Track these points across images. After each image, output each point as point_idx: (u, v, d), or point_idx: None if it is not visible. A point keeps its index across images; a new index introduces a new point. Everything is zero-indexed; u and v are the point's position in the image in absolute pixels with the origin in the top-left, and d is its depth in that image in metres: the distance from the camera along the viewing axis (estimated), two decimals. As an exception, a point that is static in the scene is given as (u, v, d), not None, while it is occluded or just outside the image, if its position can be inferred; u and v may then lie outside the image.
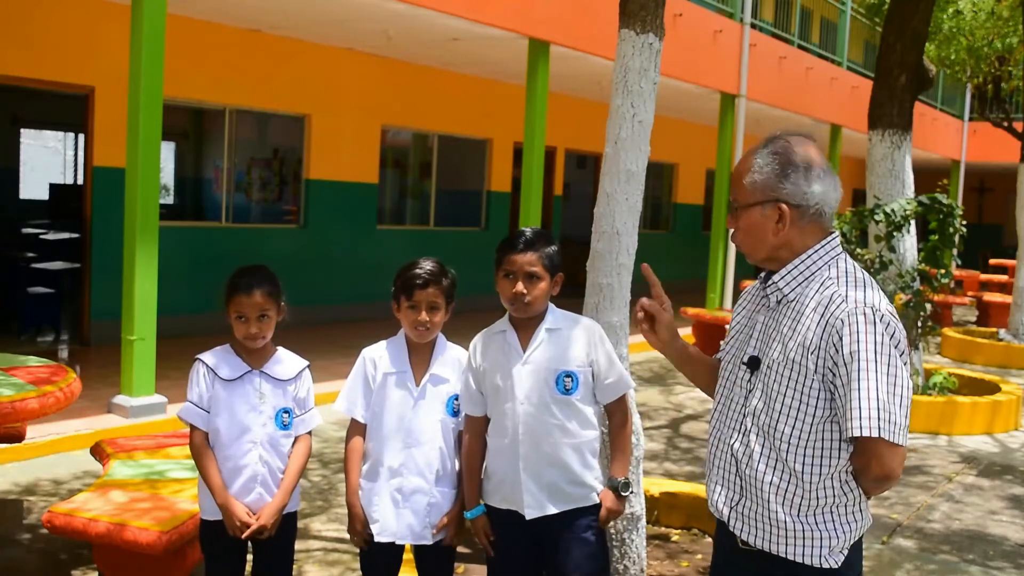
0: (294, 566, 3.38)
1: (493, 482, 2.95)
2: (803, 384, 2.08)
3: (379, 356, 3.06)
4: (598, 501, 2.92)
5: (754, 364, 2.19)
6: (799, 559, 2.11)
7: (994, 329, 13.82)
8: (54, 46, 8.79)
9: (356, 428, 3.07)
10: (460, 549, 3.16)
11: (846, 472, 2.11)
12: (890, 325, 2.04)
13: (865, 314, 2.03)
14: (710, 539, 4.78)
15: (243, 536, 3.00)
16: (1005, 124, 16.13)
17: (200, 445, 3.04)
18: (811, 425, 2.08)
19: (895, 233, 8.17)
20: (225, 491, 3.01)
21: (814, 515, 2.11)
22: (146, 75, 6.62)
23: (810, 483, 2.09)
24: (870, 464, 2.04)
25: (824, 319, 2.06)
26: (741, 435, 2.19)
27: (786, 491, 2.11)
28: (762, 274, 2.28)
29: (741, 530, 2.19)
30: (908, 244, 8.62)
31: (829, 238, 2.20)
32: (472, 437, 2.98)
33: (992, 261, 20.96)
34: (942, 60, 15.45)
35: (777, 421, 2.11)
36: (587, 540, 2.89)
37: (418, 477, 2.98)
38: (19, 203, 14.64)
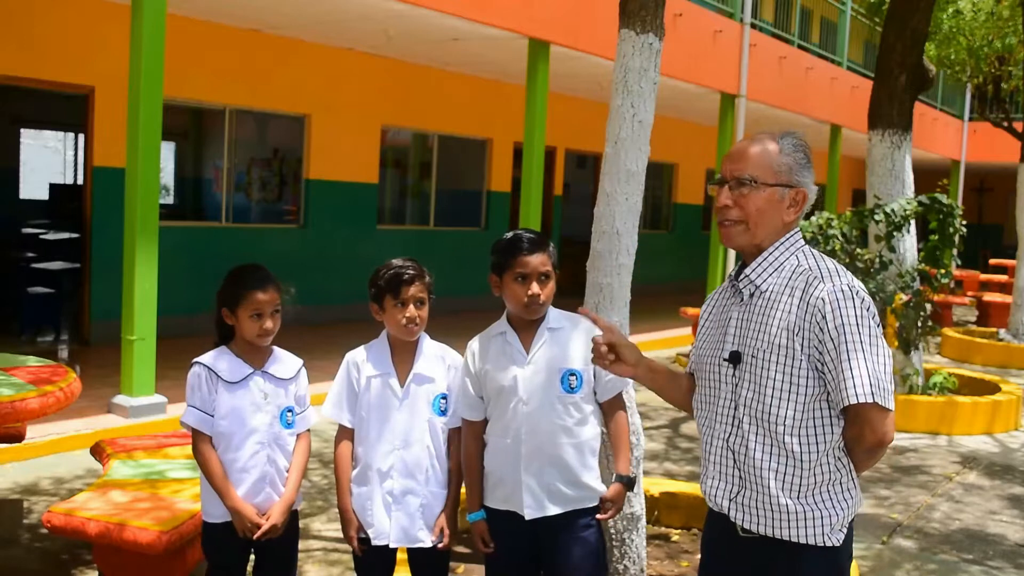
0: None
1: (491, 482, 2.94)
2: (791, 366, 2.17)
3: (362, 360, 3.05)
4: (597, 502, 2.91)
5: (736, 358, 2.27)
6: (803, 540, 2.20)
7: (994, 329, 13.82)
8: (54, 46, 8.79)
9: (344, 433, 3.08)
10: (460, 549, 3.15)
11: (839, 448, 2.22)
12: (865, 300, 2.17)
13: (843, 291, 2.15)
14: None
15: (255, 537, 3.00)
16: (1005, 124, 16.09)
17: (206, 450, 3.02)
18: (804, 404, 2.17)
19: (895, 233, 8.17)
20: (235, 495, 3.00)
21: (813, 495, 2.20)
22: (146, 75, 6.62)
23: (808, 462, 2.18)
24: (863, 432, 2.15)
25: (804, 301, 2.18)
26: (734, 428, 2.27)
27: (785, 474, 2.20)
28: (731, 272, 2.36)
29: (743, 519, 2.26)
30: (908, 244, 8.61)
31: (793, 231, 2.31)
32: (471, 441, 2.97)
33: (992, 261, 20.92)
34: (942, 60, 15.43)
35: (770, 406, 2.20)
36: (587, 540, 2.88)
37: (408, 479, 2.97)
38: (19, 203, 14.63)
